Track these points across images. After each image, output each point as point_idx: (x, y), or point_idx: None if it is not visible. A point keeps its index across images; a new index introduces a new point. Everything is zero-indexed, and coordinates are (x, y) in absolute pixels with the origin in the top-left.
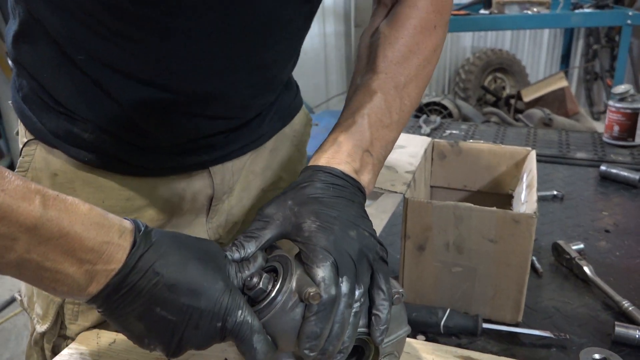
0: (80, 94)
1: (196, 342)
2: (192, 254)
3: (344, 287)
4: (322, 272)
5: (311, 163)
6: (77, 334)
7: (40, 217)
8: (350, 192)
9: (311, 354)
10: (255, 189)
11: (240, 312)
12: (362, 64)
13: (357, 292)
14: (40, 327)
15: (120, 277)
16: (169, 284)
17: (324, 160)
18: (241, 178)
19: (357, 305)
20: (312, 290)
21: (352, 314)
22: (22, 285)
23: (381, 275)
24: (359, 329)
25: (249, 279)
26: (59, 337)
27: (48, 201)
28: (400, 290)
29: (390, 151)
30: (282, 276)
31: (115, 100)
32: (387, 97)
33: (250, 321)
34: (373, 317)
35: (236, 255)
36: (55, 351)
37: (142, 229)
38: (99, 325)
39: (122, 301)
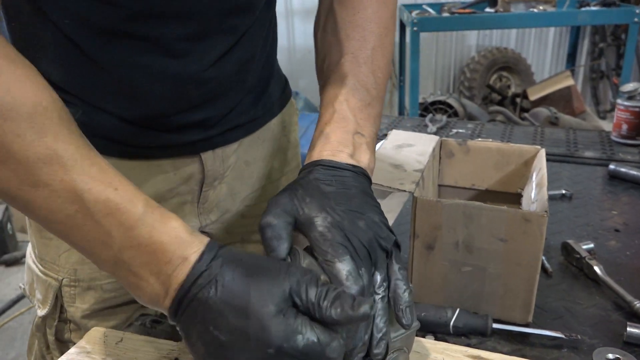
0: (65, 64)
1: None
2: (251, 274)
3: (364, 278)
4: (345, 265)
5: (306, 161)
6: (78, 316)
7: (137, 221)
8: (352, 179)
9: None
10: (247, 178)
11: (300, 337)
12: (325, 49)
13: (378, 278)
14: (41, 312)
15: (184, 290)
16: (221, 300)
17: (316, 154)
18: (233, 166)
19: (381, 290)
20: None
21: (379, 299)
22: (25, 274)
23: (394, 260)
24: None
25: None
26: (59, 321)
27: (148, 210)
28: (410, 286)
29: (379, 125)
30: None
31: (99, 66)
32: (360, 77)
33: (317, 340)
34: (392, 300)
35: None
36: (58, 336)
37: (212, 247)
38: (98, 310)
39: (188, 318)
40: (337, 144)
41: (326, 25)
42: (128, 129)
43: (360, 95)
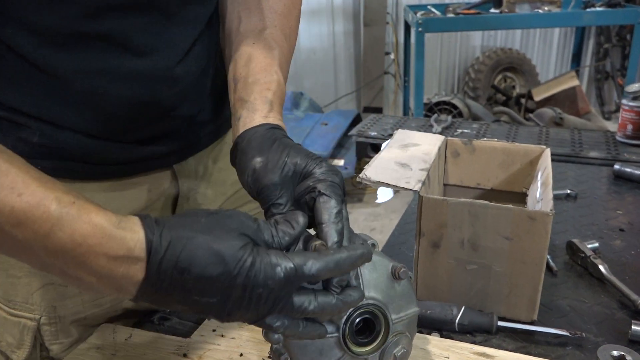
0: (17, 82)
1: (244, 313)
2: (210, 239)
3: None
4: (337, 202)
5: (256, 121)
6: (62, 352)
7: (52, 227)
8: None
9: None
10: (221, 185)
11: (278, 268)
12: (239, 13)
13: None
14: (18, 357)
15: (147, 285)
16: (197, 277)
17: (263, 119)
18: (205, 174)
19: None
20: (317, 242)
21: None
22: None
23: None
24: (370, 300)
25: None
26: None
27: (63, 209)
28: (410, 273)
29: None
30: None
31: (54, 77)
32: (284, 51)
33: (293, 265)
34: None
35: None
36: None
37: (155, 230)
38: (84, 338)
39: (160, 298)
40: (278, 114)
41: None
42: (95, 145)
43: (285, 69)
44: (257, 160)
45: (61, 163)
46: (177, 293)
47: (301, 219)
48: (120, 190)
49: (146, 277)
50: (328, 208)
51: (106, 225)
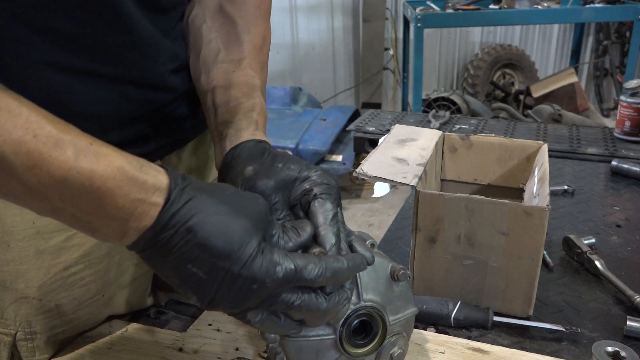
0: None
1: (229, 302)
2: (228, 212)
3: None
4: (333, 205)
5: (243, 138)
6: None
7: (70, 169)
8: None
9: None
10: (211, 177)
11: (279, 267)
12: (217, 44)
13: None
14: None
15: (151, 234)
16: (201, 242)
17: (251, 135)
18: (193, 165)
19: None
20: (316, 250)
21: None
22: None
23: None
24: (367, 303)
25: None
26: None
27: (80, 152)
28: (408, 273)
29: None
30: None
31: (24, 80)
32: (263, 79)
33: (293, 266)
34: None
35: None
36: None
37: (179, 184)
38: (61, 353)
39: (155, 254)
40: (262, 134)
41: (218, 23)
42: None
43: (264, 96)
44: (249, 169)
45: None
46: (173, 253)
47: (309, 228)
48: None
49: (154, 224)
50: (324, 211)
51: (127, 167)
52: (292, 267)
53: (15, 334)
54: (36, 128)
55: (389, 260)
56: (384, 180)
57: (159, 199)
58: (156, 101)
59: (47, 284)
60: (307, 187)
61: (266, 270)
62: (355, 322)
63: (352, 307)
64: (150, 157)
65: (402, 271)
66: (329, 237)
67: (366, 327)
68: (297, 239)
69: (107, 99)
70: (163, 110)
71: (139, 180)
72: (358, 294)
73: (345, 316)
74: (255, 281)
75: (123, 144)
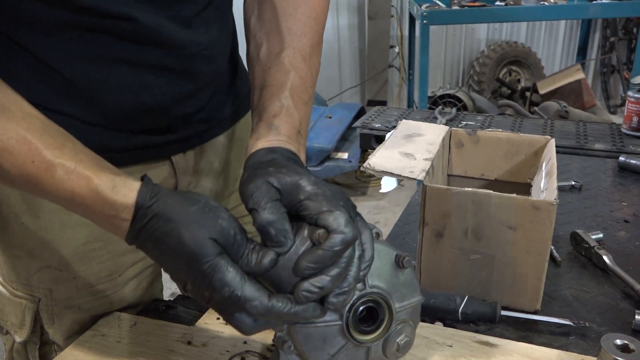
0: (14, 73)
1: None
2: (185, 228)
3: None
4: (342, 215)
5: (257, 147)
6: (58, 338)
7: (57, 190)
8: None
9: (310, 288)
10: (224, 180)
11: (227, 288)
12: (262, 36)
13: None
14: (20, 337)
15: (129, 239)
16: (164, 252)
17: (267, 143)
18: (207, 169)
19: (360, 248)
20: (321, 231)
21: (357, 256)
22: None
23: (359, 217)
24: (373, 289)
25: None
26: (43, 343)
27: (65, 174)
28: (413, 261)
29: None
30: (293, 228)
31: (53, 69)
32: (301, 73)
33: (240, 295)
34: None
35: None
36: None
37: (146, 202)
38: (74, 334)
39: (140, 247)
40: (287, 138)
41: (263, 12)
42: (92, 133)
43: (301, 93)
44: (244, 175)
45: None
46: (155, 253)
47: (266, 260)
48: None
49: (127, 235)
50: (319, 206)
51: (101, 188)
52: (238, 294)
53: (39, 300)
54: (34, 155)
55: (393, 248)
56: (391, 174)
57: (128, 216)
58: (180, 90)
59: (68, 256)
60: (302, 197)
61: (213, 287)
62: (361, 308)
63: (357, 292)
64: (176, 147)
65: (406, 258)
66: (329, 220)
67: (372, 314)
68: (252, 266)
69: (130, 88)
70: (187, 101)
71: (109, 200)
72: (364, 280)
73: (351, 302)
74: (206, 290)
75: (148, 132)
